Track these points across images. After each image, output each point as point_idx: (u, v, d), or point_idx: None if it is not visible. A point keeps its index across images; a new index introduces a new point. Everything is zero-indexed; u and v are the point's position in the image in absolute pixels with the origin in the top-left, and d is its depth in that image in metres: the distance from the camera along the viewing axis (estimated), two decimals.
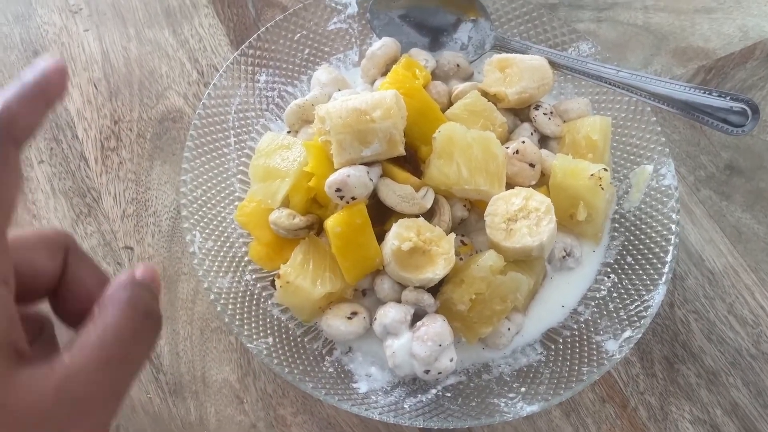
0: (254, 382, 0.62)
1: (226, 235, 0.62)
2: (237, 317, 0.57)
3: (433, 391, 0.57)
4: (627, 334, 0.57)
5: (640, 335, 0.56)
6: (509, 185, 0.59)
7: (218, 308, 0.57)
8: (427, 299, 0.55)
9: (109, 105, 0.76)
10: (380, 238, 0.56)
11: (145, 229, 0.69)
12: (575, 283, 0.63)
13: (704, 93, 0.60)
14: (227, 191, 0.65)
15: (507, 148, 0.61)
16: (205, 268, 0.59)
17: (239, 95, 0.68)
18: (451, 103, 0.65)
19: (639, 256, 0.62)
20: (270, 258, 0.59)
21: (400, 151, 0.56)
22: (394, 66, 0.64)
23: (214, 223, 0.62)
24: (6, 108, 0.24)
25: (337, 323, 0.56)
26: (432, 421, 0.53)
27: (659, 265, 0.60)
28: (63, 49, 0.80)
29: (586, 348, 0.58)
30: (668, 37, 0.82)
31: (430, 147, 0.57)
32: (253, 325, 0.57)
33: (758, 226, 0.70)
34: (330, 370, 0.57)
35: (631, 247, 0.63)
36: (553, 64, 0.66)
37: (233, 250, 0.62)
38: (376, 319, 0.56)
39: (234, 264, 0.61)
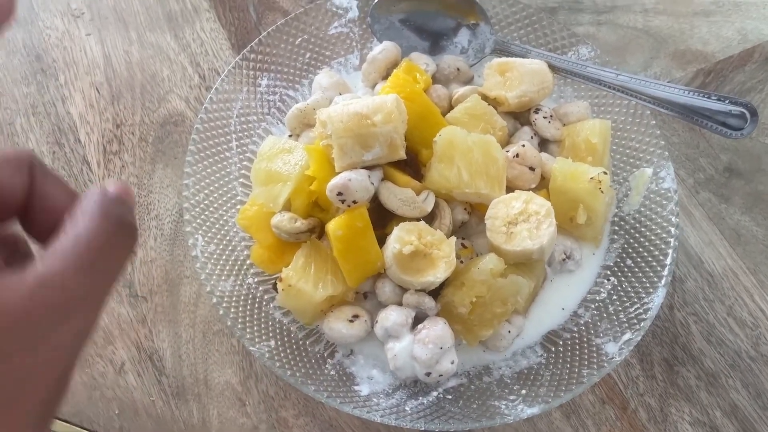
0: (256, 385, 0.62)
1: (228, 238, 0.63)
2: (239, 320, 0.57)
3: (434, 393, 0.57)
4: (627, 336, 0.57)
5: (639, 337, 0.56)
6: (509, 188, 0.59)
7: (220, 311, 0.57)
8: (428, 302, 0.56)
9: (112, 109, 0.76)
10: (381, 241, 0.56)
11: (148, 232, 0.69)
12: (575, 286, 0.63)
13: (703, 96, 0.60)
14: (229, 195, 0.65)
15: (507, 151, 0.61)
16: (207, 271, 0.59)
17: (241, 99, 0.69)
18: (451, 107, 0.65)
19: (639, 259, 0.62)
20: (272, 261, 0.59)
21: (401, 155, 0.56)
22: (394, 70, 0.64)
23: (216, 226, 0.63)
24: None
25: (339, 326, 0.57)
26: (433, 423, 0.53)
27: (659, 268, 0.60)
28: (65, 53, 0.80)
29: (586, 350, 0.58)
30: (667, 41, 0.83)
31: (431, 151, 0.58)
32: (255, 328, 0.58)
33: (757, 228, 0.70)
34: (332, 372, 0.58)
35: (630, 250, 0.63)
36: (553, 68, 0.67)
37: (235, 253, 0.62)
38: (377, 322, 0.56)
39: (236, 267, 0.61)
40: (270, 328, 0.59)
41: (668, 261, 0.60)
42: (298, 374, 0.55)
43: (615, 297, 0.61)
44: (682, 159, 0.74)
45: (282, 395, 0.62)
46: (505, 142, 0.65)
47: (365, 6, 0.73)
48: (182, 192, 0.62)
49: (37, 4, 0.83)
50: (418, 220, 0.57)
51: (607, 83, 0.65)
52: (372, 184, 0.55)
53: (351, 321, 0.57)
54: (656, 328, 0.65)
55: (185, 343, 0.64)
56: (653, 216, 0.64)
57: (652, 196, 0.65)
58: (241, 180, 0.67)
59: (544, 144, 0.67)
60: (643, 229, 0.64)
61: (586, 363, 0.57)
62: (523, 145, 0.62)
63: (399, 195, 0.56)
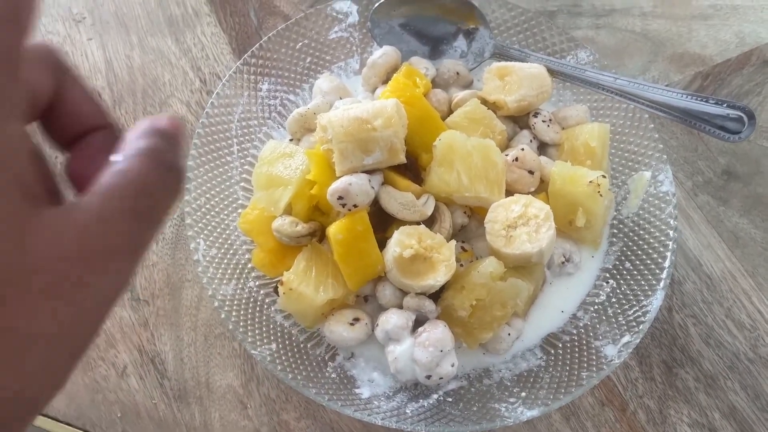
0: (258, 388, 0.63)
1: (229, 242, 0.63)
2: (241, 324, 0.58)
3: (435, 396, 0.57)
4: (626, 338, 0.57)
5: (638, 340, 0.57)
6: (509, 192, 0.60)
7: (222, 315, 0.57)
8: (429, 305, 0.56)
9: (113, 113, 0.77)
10: (382, 245, 0.57)
11: None
12: (574, 289, 0.64)
13: (701, 100, 0.60)
14: (230, 199, 0.66)
15: (506, 155, 0.62)
16: (209, 275, 0.59)
17: (242, 104, 0.69)
18: (451, 111, 0.65)
19: (637, 262, 0.63)
20: (273, 265, 0.60)
21: (401, 159, 0.57)
22: (394, 74, 0.65)
23: (218, 230, 0.63)
24: None
25: (340, 329, 0.57)
26: (434, 425, 0.54)
27: (657, 271, 0.61)
28: (67, 57, 0.80)
29: (585, 353, 0.59)
30: (665, 44, 0.83)
31: (431, 155, 0.58)
32: (256, 331, 0.58)
33: (755, 230, 0.71)
34: (333, 375, 0.58)
35: (629, 253, 0.64)
36: (552, 72, 0.67)
37: (237, 257, 0.63)
38: (378, 325, 0.56)
39: (237, 271, 0.62)
40: (271, 332, 0.59)
41: (667, 264, 0.60)
42: (299, 377, 0.55)
43: (614, 300, 0.62)
44: (680, 162, 0.75)
45: (283, 398, 0.62)
46: (505, 146, 0.65)
47: (365, 11, 0.74)
48: (184, 196, 0.62)
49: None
50: (418, 223, 0.57)
51: (605, 87, 0.65)
52: (372, 188, 0.56)
53: (352, 324, 0.57)
54: (655, 331, 0.65)
55: (187, 346, 0.64)
56: (652, 219, 0.64)
57: (650, 199, 0.65)
58: (242, 184, 0.67)
59: (543, 148, 0.67)
60: (641, 232, 0.64)
61: (585, 365, 0.57)
62: (523, 149, 0.62)
63: (399, 199, 0.57)
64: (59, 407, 0.62)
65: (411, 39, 0.73)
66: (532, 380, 0.58)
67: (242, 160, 0.68)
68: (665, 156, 0.65)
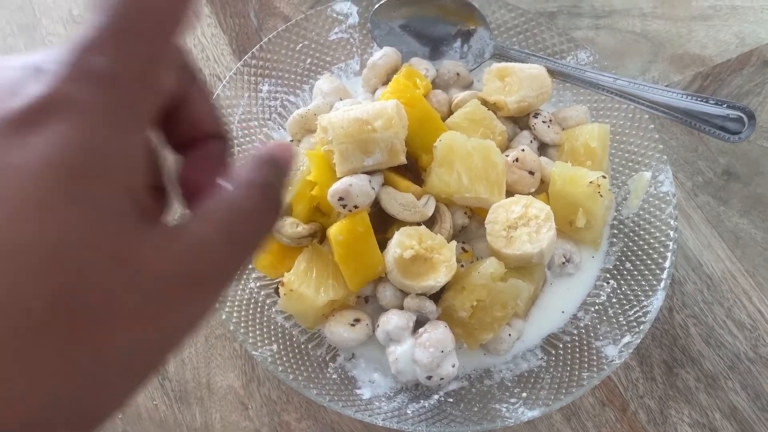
0: (258, 389, 0.63)
1: None
2: (241, 325, 0.58)
3: (436, 396, 0.58)
4: (626, 339, 0.57)
5: (639, 340, 0.57)
6: (509, 193, 0.60)
7: (223, 316, 0.58)
8: (429, 306, 0.56)
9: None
10: (382, 246, 0.57)
11: None
12: (575, 289, 0.64)
13: (701, 101, 0.60)
14: None
15: (507, 156, 0.62)
16: None
17: (242, 105, 0.69)
18: (451, 112, 0.65)
19: (638, 262, 0.63)
20: (273, 266, 0.60)
21: (402, 160, 0.57)
22: (395, 75, 0.65)
23: None
24: None
25: (341, 330, 0.57)
26: (435, 426, 0.54)
27: (658, 271, 0.61)
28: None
29: (586, 353, 0.59)
30: (665, 44, 0.83)
31: (431, 155, 0.58)
32: (257, 332, 0.58)
33: (755, 231, 0.71)
34: (333, 376, 0.58)
35: (630, 253, 0.64)
36: (552, 73, 0.67)
37: None
38: (378, 325, 0.57)
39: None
40: (272, 333, 0.59)
41: (667, 264, 0.60)
42: (300, 378, 0.56)
43: (614, 300, 0.62)
44: (680, 162, 0.75)
45: (284, 399, 0.62)
46: (505, 147, 0.65)
47: (365, 12, 0.74)
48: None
49: (39, 11, 0.84)
50: (418, 224, 0.57)
51: (605, 87, 0.65)
52: (373, 189, 0.56)
53: (352, 325, 0.57)
54: (656, 331, 0.65)
55: (188, 347, 0.64)
56: (652, 219, 0.64)
57: (650, 199, 0.65)
58: None
59: (543, 148, 0.67)
60: (642, 233, 0.64)
61: (586, 366, 0.57)
62: (523, 150, 0.62)
63: (400, 200, 0.57)
64: None
65: (411, 40, 0.73)
66: (532, 381, 0.58)
67: (243, 162, 0.68)
68: (665, 156, 0.65)
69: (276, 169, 0.25)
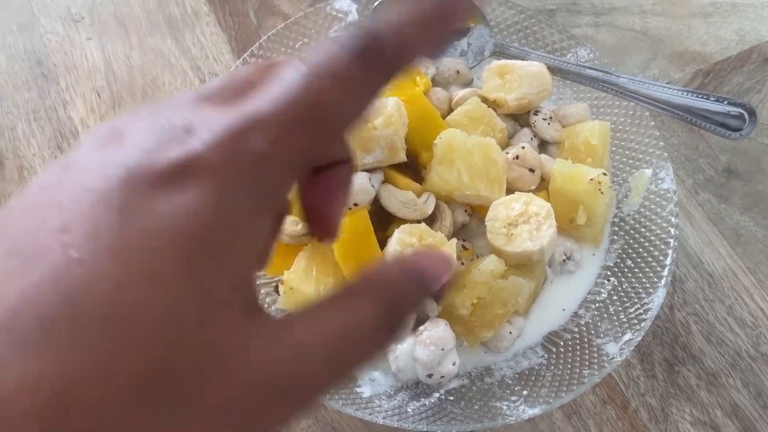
0: None
1: None
2: None
3: (436, 394, 0.57)
4: (627, 336, 0.57)
5: (640, 338, 0.57)
6: (509, 190, 0.60)
7: None
8: (429, 304, 0.56)
9: (113, 113, 0.77)
10: (382, 243, 0.57)
11: None
12: (575, 287, 0.63)
13: (702, 98, 0.60)
14: None
15: (507, 153, 0.62)
16: None
17: None
18: (451, 110, 0.65)
19: (639, 260, 0.63)
20: (273, 264, 0.60)
21: (402, 157, 0.57)
22: None
23: None
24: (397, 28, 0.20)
25: None
26: (435, 424, 0.53)
27: (659, 268, 0.60)
28: (66, 58, 0.80)
29: (587, 351, 0.58)
30: (665, 42, 0.83)
31: (431, 153, 0.58)
32: None
33: (756, 228, 0.71)
34: None
35: (630, 251, 0.64)
36: (552, 70, 0.67)
37: None
38: None
39: None
40: None
41: (668, 261, 0.60)
42: None
43: (615, 297, 0.61)
44: (681, 160, 0.75)
45: None
46: (505, 144, 0.65)
47: (365, 9, 0.73)
48: None
49: (37, 9, 0.84)
50: (418, 222, 0.57)
51: (606, 85, 0.65)
52: (373, 186, 0.56)
53: None
54: (656, 328, 0.65)
55: None
56: (653, 217, 0.64)
57: (651, 196, 0.65)
58: None
59: (543, 146, 0.67)
60: (642, 230, 0.64)
61: (587, 363, 0.57)
62: (523, 147, 0.62)
63: (400, 197, 0.57)
64: None
65: None
66: (533, 378, 0.58)
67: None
68: (666, 153, 0.65)
69: (417, 287, 0.22)
